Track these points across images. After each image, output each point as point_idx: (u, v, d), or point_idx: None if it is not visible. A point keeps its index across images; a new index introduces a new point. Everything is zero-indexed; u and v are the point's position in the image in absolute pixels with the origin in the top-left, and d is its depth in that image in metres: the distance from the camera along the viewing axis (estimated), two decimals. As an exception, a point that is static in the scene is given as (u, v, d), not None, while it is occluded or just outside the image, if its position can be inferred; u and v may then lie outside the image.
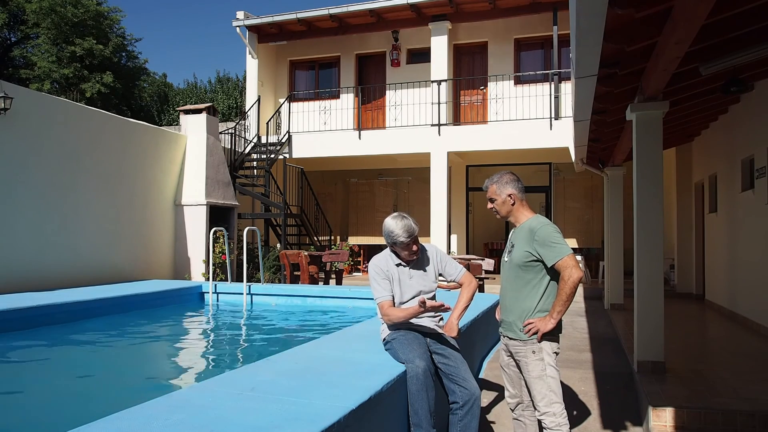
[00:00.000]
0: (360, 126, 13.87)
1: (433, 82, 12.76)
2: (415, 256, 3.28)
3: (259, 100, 14.42)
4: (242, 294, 8.29)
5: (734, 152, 7.62)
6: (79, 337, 6.21)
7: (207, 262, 10.75)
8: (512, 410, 3.13)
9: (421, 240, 3.40)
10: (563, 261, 2.76)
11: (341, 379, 2.82)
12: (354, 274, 14.56)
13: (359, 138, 13.14)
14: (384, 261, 3.32)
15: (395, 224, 3.20)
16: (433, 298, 3.38)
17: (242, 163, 13.78)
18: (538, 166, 13.94)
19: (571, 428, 2.87)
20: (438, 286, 3.43)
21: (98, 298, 7.14)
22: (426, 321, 3.29)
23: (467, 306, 3.36)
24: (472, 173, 14.76)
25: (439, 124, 12.48)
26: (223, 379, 2.91)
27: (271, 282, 11.12)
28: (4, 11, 21.82)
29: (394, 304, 3.26)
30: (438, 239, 12.22)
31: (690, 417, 3.70)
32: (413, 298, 3.27)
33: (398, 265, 3.31)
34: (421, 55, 14.12)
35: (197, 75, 55.34)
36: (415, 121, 13.35)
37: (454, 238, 14.45)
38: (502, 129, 12.22)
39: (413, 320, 3.26)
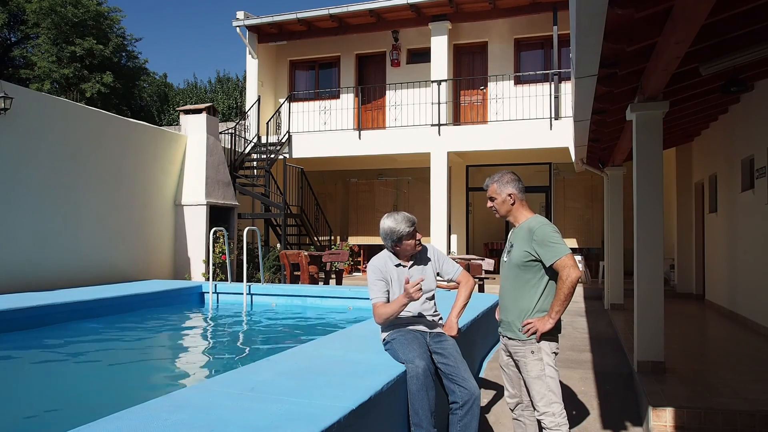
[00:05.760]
0: (360, 126, 13.87)
1: (433, 82, 12.75)
2: (419, 247, 3.28)
3: (259, 100, 14.42)
4: (242, 294, 8.29)
5: (734, 152, 7.62)
6: (79, 337, 6.21)
7: (207, 262, 10.75)
8: (512, 410, 3.13)
9: (421, 240, 3.40)
10: (561, 261, 2.76)
11: (341, 379, 2.82)
12: (354, 274, 14.56)
13: (359, 138, 13.14)
14: (383, 262, 3.32)
15: (393, 220, 3.22)
16: (433, 297, 3.38)
17: (242, 163, 13.78)
18: (538, 166, 13.93)
19: (570, 428, 2.87)
20: (437, 286, 3.43)
21: (98, 298, 7.14)
22: (425, 320, 3.30)
23: (465, 304, 3.37)
24: (472, 173, 14.76)
25: (439, 124, 12.48)
26: (223, 379, 2.91)
27: (271, 282, 11.11)
28: (4, 11, 21.82)
29: None
30: (438, 239, 12.22)
31: (690, 417, 3.70)
32: (413, 298, 3.27)
33: (398, 265, 3.31)
34: (421, 55, 14.12)
35: (197, 75, 55.36)
36: (415, 121, 13.35)
37: (454, 238, 14.45)
38: (502, 129, 12.22)
39: (412, 320, 3.26)
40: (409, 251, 3.27)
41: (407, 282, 3.01)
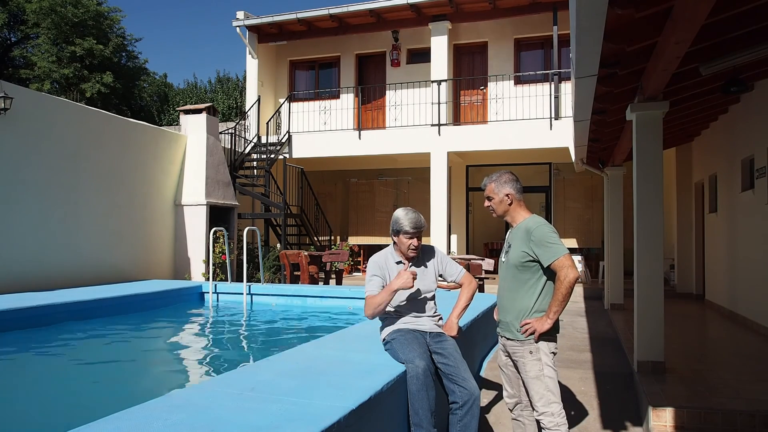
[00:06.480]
0: (360, 126, 13.87)
1: (433, 82, 12.75)
2: (413, 253, 3.28)
3: (259, 100, 14.42)
4: (242, 294, 8.29)
5: (734, 152, 7.62)
6: (79, 337, 6.21)
7: (207, 262, 10.75)
8: (511, 410, 3.12)
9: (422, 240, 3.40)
10: (559, 261, 2.76)
11: (341, 379, 2.82)
12: (354, 274, 14.56)
13: (359, 138, 13.14)
14: (383, 258, 3.33)
15: (404, 214, 3.25)
16: (433, 298, 3.38)
17: (242, 163, 13.78)
18: (538, 166, 13.94)
19: (570, 428, 2.87)
20: (438, 286, 3.44)
21: (98, 298, 7.14)
22: (425, 321, 3.30)
23: (467, 306, 3.37)
24: (472, 173, 14.76)
25: (439, 124, 12.48)
26: (223, 379, 2.91)
27: (271, 282, 11.11)
28: (4, 11, 21.82)
29: None
30: (438, 239, 12.22)
31: (690, 417, 3.70)
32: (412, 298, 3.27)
33: (398, 263, 3.31)
34: (421, 55, 14.12)
35: (197, 75, 55.40)
36: (415, 121, 13.35)
37: (454, 238, 14.45)
38: (502, 129, 12.22)
39: (412, 320, 3.26)
40: (403, 249, 3.28)
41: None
